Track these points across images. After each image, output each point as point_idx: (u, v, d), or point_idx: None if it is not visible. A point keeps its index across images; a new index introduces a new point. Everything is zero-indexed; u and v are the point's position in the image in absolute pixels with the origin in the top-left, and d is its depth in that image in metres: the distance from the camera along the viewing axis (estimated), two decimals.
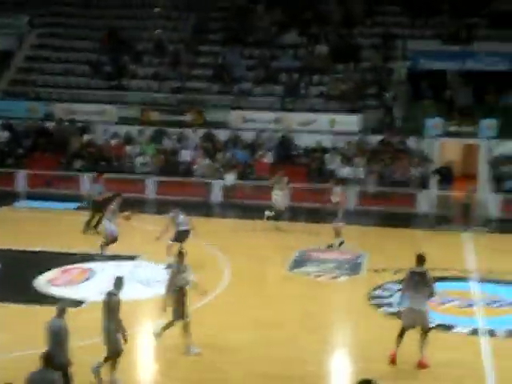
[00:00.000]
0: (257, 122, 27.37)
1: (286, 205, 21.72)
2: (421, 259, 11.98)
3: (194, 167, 26.14)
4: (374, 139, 26.55)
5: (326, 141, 26.57)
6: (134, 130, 27.73)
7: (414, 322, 11.85)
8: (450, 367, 11.83)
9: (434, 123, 25.89)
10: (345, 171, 25.39)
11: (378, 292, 15.78)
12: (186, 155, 26.65)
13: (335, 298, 15.79)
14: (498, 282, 16.56)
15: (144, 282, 16.05)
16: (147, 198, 25.22)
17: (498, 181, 24.62)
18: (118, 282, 10.84)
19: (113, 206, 17.74)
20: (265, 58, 29.68)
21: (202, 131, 27.36)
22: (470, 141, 26.51)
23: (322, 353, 12.46)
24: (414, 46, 28.43)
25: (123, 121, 28.05)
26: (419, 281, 11.73)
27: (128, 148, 27.13)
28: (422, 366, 11.76)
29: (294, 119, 27.25)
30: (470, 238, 20.73)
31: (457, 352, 12.43)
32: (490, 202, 23.99)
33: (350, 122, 26.81)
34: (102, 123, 28.01)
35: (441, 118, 26.04)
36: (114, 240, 17.67)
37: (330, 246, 19.36)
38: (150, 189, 25.58)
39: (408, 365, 11.81)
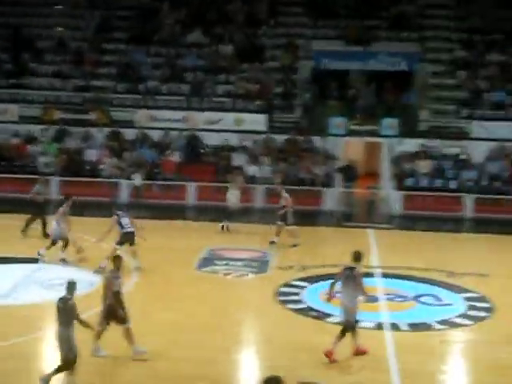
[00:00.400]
0: (164, 120, 27.25)
1: (239, 204, 21.64)
2: (355, 256, 12.22)
3: (101, 167, 25.76)
4: (280, 138, 26.88)
5: (233, 139, 26.71)
6: (36, 129, 27.08)
7: (345, 315, 12.10)
8: (356, 361, 12.10)
9: (338, 122, 26.43)
10: (251, 170, 25.60)
11: (285, 289, 15.98)
12: (91, 155, 26.24)
13: (243, 296, 15.89)
14: (400, 277, 17.06)
15: (45, 284, 15.71)
16: (50, 199, 24.60)
17: (399, 178, 25.36)
18: (71, 286, 10.59)
19: (63, 208, 17.41)
20: (170, 56, 29.56)
21: (107, 130, 27.01)
22: (373, 139, 27.21)
23: (232, 351, 12.51)
24: (318, 47, 28.93)
25: (25, 120, 27.35)
26: (349, 276, 12.00)
27: (30, 147, 26.48)
28: (359, 352, 12.09)
29: (201, 118, 27.27)
30: (374, 234, 21.26)
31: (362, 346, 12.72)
32: (392, 198, 24.70)
33: (257, 120, 27.06)
34: (2, 122, 27.23)
35: (344, 117, 26.61)
36: (55, 243, 17.35)
37: (295, 246, 19.50)
38: (53, 189, 24.97)
39: (312, 356, 12.01)
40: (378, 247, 19.76)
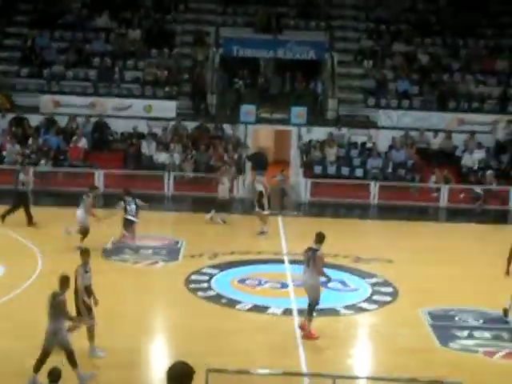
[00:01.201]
0: (70, 106, 26.66)
1: (228, 196, 21.45)
2: (318, 237, 12.64)
3: (3, 153, 24.98)
4: (191, 125, 26.75)
5: (143, 126, 26.39)
6: None
7: (308, 294, 12.59)
8: (266, 347, 12.22)
9: (248, 110, 26.51)
10: (161, 157, 25.38)
11: (195, 277, 15.97)
12: None
13: (153, 284, 15.77)
14: None
15: None
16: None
17: (308, 166, 25.68)
18: (64, 281, 10.49)
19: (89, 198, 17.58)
20: (77, 41, 28.89)
21: (11, 116, 26.21)
22: (282, 127, 27.44)
23: (141, 339, 12.41)
24: (226, 34, 28.89)
25: None
26: (311, 256, 12.50)
27: None
28: (308, 336, 12.47)
29: (109, 104, 26.81)
30: (283, 221, 21.47)
31: (271, 332, 12.86)
32: (301, 186, 24.99)
33: (167, 107, 26.83)
34: None
35: (254, 104, 26.71)
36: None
37: (262, 233, 19.55)
38: None
39: (221, 343, 12.05)
40: (286, 234, 19.97)
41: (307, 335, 12.53)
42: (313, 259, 12.47)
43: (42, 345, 10.46)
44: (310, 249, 12.65)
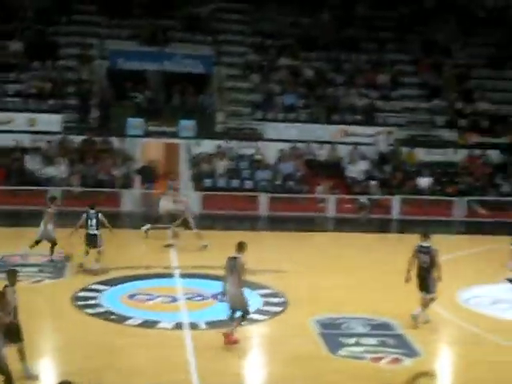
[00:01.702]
0: None
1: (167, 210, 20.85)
2: (240, 246, 12.72)
3: None
4: (77, 139, 26.20)
5: (26, 140, 25.63)
6: None
7: (234, 304, 12.59)
8: (157, 361, 12.06)
9: (135, 123, 26.24)
10: (47, 171, 24.71)
11: (82, 293, 15.59)
12: None
13: (38, 303, 15.26)
14: (199, 276, 17.24)
15: None
16: None
17: (198, 179, 25.66)
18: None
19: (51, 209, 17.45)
20: None
21: None
22: (171, 140, 27.32)
23: (31, 361, 11.97)
24: (112, 46, 28.56)
25: None
26: (233, 265, 12.52)
27: None
28: (230, 342, 12.50)
29: None
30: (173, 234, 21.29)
31: (161, 348, 12.71)
32: (191, 199, 24.89)
33: (51, 121, 26.21)
34: None
35: (141, 117, 26.47)
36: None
37: (205, 247, 19.44)
38: None
39: (113, 359, 11.81)
40: (177, 247, 19.83)
41: (230, 340, 12.54)
42: (235, 267, 12.54)
43: None
44: (231, 258, 12.68)
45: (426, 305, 14.00)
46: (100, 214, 17.56)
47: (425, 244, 13.98)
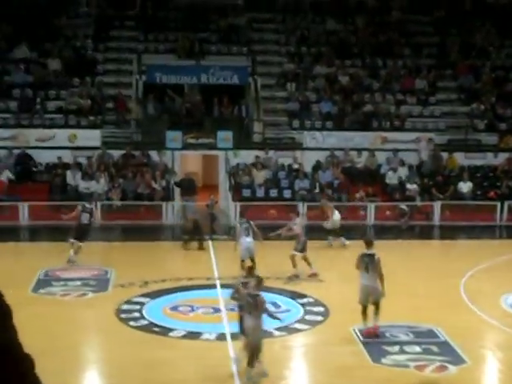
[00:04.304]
0: None
1: None
2: (370, 243, 13.61)
3: None
4: (116, 153, 26.52)
5: (67, 156, 26.03)
6: None
7: (370, 297, 13.44)
8: (200, 374, 12.12)
9: (174, 136, 26.46)
10: (87, 186, 25.04)
11: (126, 306, 15.74)
12: None
13: (82, 317, 15.48)
14: None
15: None
16: None
17: (236, 189, 25.75)
18: None
19: None
20: None
21: None
22: (209, 152, 27.46)
23: (73, 374, 12.13)
24: (149, 61, 28.85)
25: None
26: (370, 261, 13.24)
27: None
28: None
29: (32, 135, 26.36)
30: (214, 245, 21.42)
31: (205, 359, 12.77)
32: (230, 210, 25.01)
33: (91, 136, 26.53)
34: None
35: (180, 130, 26.68)
36: None
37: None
38: None
39: (156, 372, 11.89)
40: (217, 258, 19.92)
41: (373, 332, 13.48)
42: (373, 263, 13.17)
43: None
44: (366, 254, 13.34)
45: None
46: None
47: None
